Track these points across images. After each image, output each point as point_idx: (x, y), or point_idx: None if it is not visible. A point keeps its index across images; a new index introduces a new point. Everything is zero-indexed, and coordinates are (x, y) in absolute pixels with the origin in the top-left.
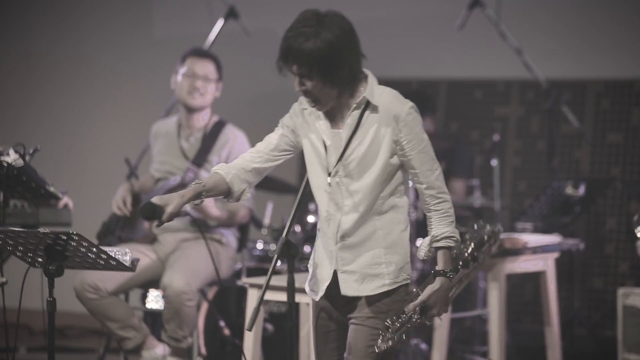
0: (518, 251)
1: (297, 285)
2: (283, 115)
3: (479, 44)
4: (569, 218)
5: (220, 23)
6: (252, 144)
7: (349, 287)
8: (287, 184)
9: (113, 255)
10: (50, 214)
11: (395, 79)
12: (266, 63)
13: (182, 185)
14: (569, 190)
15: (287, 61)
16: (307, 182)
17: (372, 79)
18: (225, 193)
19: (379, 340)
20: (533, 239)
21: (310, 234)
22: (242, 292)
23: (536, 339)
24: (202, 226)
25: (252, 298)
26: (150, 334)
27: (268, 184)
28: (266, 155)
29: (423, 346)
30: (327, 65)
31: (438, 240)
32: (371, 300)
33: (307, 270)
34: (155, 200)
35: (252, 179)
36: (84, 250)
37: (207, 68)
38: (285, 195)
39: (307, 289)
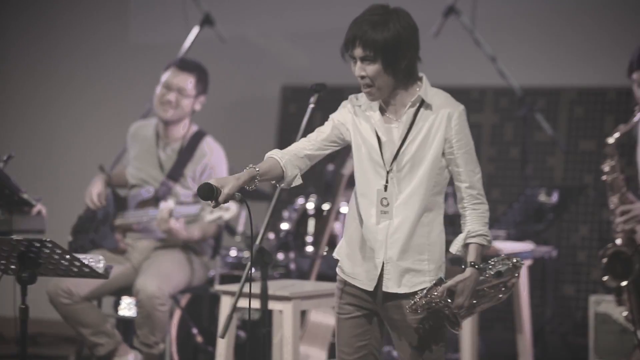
0: (491, 258)
1: (270, 292)
2: (258, 122)
3: (453, 51)
4: (542, 225)
5: (195, 30)
6: (229, 152)
7: (391, 282)
8: (261, 191)
9: (86, 263)
10: (23, 221)
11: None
12: (241, 70)
13: (154, 199)
14: (542, 197)
15: (352, 45)
16: (281, 189)
17: (426, 80)
18: (278, 178)
19: (411, 303)
20: (506, 246)
21: (283, 241)
22: (215, 300)
23: (508, 346)
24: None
25: (225, 305)
26: (122, 341)
27: (242, 191)
28: (318, 143)
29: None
30: (391, 53)
31: (473, 236)
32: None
33: (280, 277)
34: (212, 181)
35: (304, 165)
36: (57, 257)
37: (184, 81)
38: (258, 202)
39: (342, 275)
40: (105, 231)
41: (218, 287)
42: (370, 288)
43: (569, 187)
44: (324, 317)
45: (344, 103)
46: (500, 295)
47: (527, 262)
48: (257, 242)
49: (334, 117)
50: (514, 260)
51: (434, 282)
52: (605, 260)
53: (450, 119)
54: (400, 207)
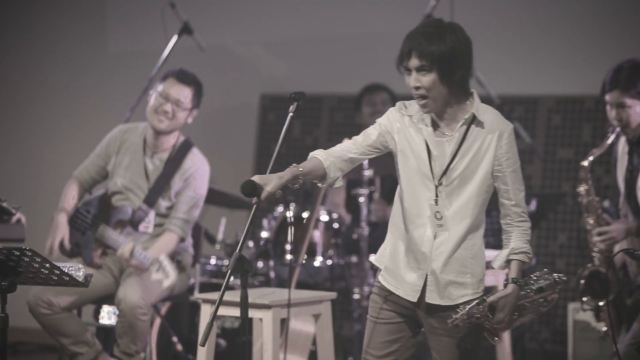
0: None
1: (250, 300)
2: (237, 130)
3: None
4: None
5: (174, 39)
6: (208, 159)
7: (433, 294)
8: (240, 199)
9: (66, 271)
10: (3, 230)
11: (351, 94)
12: (220, 78)
13: (130, 221)
14: None
15: (408, 56)
16: (260, 198)
17: (477, 97)
18: (320, 178)
19: (453, 318)
20: (485, 255)
21: (263, 250)
22: (195, 308)
23: (488, 353)
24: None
25: (205, 313)
26: (103, 350)
27: (221, 199)
28: (362, 148)
29: None
30: (446, 63)
31: (516, 253)
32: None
33: (260, 285)
34: (255, 178)
35: (346, 167)
36: (37, 266)
37: (182, 93)
38: (238, 210)
39: (385, 283)
40: (89, 237)
41: (198, 295)
42: (414, 299)
43: (547, 195)
44: (304, 325)
45: (392, 110)
46: (541, 309)
47: (506, 270)
48: (237, 250)
49: (381, 123)
50: (556, 277)
51: (477, 301)
52: (582, 281)
53: (501, 138)
54: (448, 222)
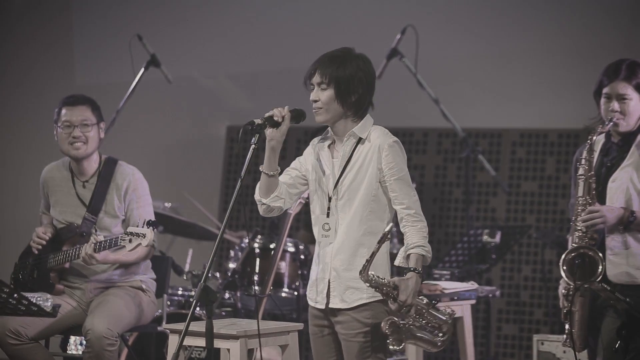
0: (435, 297)
1: (217, 330)
2: (204, 162)
3: (396, 93)
4: (486, 265)
5: (141, 71)
6: (175, 191)
7: (336, 299)
8: (207, 230)
9: (34, 302)
10: None
11: (317, 126)
12: (187, 110)
13: (79, 234)
14: (485, 238)
15: (313, 73)
16: (224, 229)
17: (367, 120)
18: (272, 188)
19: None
20: (450, 286)
21: (230, 280)
22: (163, 338)
23: None
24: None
25: (173, 343)
26: None
27: (188, 230)
28: (292, 178)
29: None
30: (343, 84)
31: (412, 248)
32: (355, 316)
33: (225, 316)
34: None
35: (286, 195)
36: (5, 296)
37: (83, 114)
38: (205, 241)
39: (308, 298)
40: (40, 274)
41: (165, 325)
42: (322, 306)
43: (511, 227)
44: (271, 356)
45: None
46: (432, 338)
47: (471, 302)
48: (202, 280)
49: (301, 157)
50: (449, 312)
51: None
52: (563, 266)
53: (382, 150)
54: (341, 232)
